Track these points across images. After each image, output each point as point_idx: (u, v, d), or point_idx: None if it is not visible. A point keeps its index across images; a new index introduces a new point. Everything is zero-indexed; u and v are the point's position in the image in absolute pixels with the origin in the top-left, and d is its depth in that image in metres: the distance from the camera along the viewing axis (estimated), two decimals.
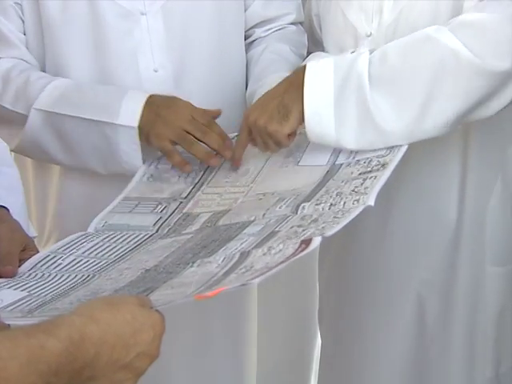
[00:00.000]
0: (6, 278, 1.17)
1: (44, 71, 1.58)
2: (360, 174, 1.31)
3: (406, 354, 1.66)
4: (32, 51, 1.60)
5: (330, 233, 1.07)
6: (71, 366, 0.77)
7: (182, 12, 1.63)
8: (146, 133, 1.42)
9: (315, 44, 1.71)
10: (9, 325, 1.04)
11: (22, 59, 1.58)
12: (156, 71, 1.60)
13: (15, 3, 1.55)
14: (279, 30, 1.75)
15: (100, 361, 0.81)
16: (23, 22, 1.58)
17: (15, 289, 1.14)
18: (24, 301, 1.11)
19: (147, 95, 1.45)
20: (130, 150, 1.47)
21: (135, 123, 1.42)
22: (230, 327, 1.87)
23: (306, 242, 1.03)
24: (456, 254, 1.58)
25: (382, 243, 1.63)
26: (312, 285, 1.96)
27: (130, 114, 1.44)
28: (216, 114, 1.46)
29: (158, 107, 1.43)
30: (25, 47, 1.59)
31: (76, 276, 1.21)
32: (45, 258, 1.29)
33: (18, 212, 1.36)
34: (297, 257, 0.99)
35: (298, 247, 1.02)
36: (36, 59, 1.59)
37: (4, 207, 1.31)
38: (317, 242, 1.02)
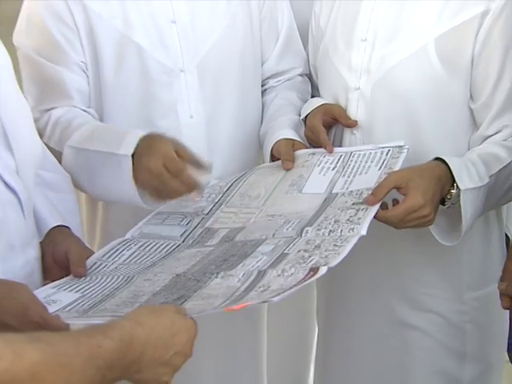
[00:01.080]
0: (77, 277, 1.31)
1: (101, 120, 1.75)
2: (353, 204, 1.43)
3: (384, 351, 1.76)
4: (91, 102, 1.75)
5: (334, 263, 1.19)
6: (122, 362, 0.93)
7: (213, 69, 1.78)
8: (135, 162, 1.48)
9: (314, 87, 1.90)
10: (68, 324, 1.21)
11: (75, 106, 1.72)
12: (192, 117, 1.74)
13: (81, 62, 1.69)
14: (288, 80, 1.92)
15: (145, 358, 0.97)
16: (87, 76, 1.71)
17: (70, 291, 1.27)
18: (79, 301, 1.25)
19: (145, 133, 1.55)
20: (128, 178, 1.53)
21: (130, 152, 1.48)
22: (246, 328, 1.99)
23: (314, 270, 1.16)
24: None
25: (369, 261, 1.73)
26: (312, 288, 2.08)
27: (127, 145, 1.50)
28: (204, 163, 1.51)
29: (150, 139, 1.49)
30: (82, 99, 1.72)
31: (119, 277, 1.35)
32: (94, 264, 1.43)
33: (76, 231, 1.49)
34: (307, 282, 1.14)
35: (308, 273, 1.16)
36: (94, 109, 1.72)
37: (67, 227, 1.46)
38: (323, 270, 1.15)
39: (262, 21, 1.88)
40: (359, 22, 1.70)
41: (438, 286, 1.72)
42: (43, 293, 1.25)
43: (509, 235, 1.82)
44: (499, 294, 1.50)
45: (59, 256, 1.39)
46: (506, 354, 1.98)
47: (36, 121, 1.67)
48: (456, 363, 1.73)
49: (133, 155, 1.51)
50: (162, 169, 1.44)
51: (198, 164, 1.51)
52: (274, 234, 1.42)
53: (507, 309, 1.49)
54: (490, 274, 1.61)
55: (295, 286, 1.13)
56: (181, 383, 1.77)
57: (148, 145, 1.52)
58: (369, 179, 1.50)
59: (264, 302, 1.17)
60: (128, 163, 1.51)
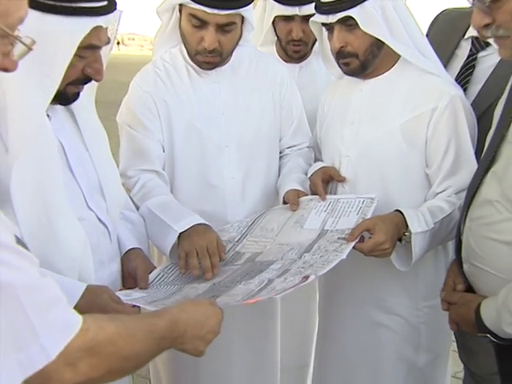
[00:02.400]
0: (140, 289, 1.57)
1: (172, 178, 2.01)
2: (338, 238, 1.65)
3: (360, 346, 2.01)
4: (165, 166, 2.00)
5: (320, 273, 1.49)
6: (170, 336, 1.15)
7: (247, 145, 2.02)
8: (185, 235, 1.71)
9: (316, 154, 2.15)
10: (136, 309, 1.47)
11: (154, 170, 1.96)
12: (233, 178, 2.00)
13: (161, 139, 1.99)
14: (298, 150, 2.16)
15: (187, 334, 1.19)
16: (164, 149, 1.99)
17: (139, 291, 1.54)
18: (145, 296, 1.51)
19: (200, 222, 1.74)
20: (170, 242, 1.75)
21: (181, 230, 1.71)
22: (264, 318, 2.22)
23: (306, 277, 1.43)
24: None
25: (353, 279, 1.98)
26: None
27: (182, 225, 1.72)
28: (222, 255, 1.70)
29: (195, 233, 1.70)
30: (160, 163, 1.98)
31: (174, 286, 1.60)
32: (157, 275, 1.66)
33: (146, 252, 1.73)
34: (301, 285, 1.42)
35: (301, 280, 1.42)
36: (166, 171, 2.00)
37: (140, 248, 1.69)
38: (312, 278, 1.44)
39: (281, 110, 2.09)
40: (349, 111, 1.92)
41: (402, 297, 1.91)
42: (122, 294, 1.49)
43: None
44: (441, 300, 1.70)
45: (132, 270, 1.62)
46: (453, 345, 2.16)
47: (129, 178, 1.95)
48: (413, 352, 1.93)
49: (184, 231, 1.70)
50: (204, 248, 1.63)
51: (221, 256, 1.67)
52: (282, 257, 1.62)
53: (446, 310, 1.67)
54: (438, 289, 1.72)
55: (292, 287, 1.40)
56: (218, 358, 2.06)
57: (203, 230, 1.70)
58: (349, 221, 1.71)
59: (270, 297, 1.42)
60: (173, 236, 1.71)
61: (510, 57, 1.47)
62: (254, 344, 2.20)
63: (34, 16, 1.26)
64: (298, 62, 2.38)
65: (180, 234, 1.68)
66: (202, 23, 1.82)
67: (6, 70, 0.97)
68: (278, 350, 2.33)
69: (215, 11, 1.78)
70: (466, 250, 1.56)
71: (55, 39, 1.31)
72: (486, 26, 1.36)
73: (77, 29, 1.33)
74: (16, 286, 0.86)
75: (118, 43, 46.91)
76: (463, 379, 2.35)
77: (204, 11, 1.78)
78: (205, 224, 1.72)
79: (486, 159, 1.50)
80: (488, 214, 1.47)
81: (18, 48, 0.97)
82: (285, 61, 2.36)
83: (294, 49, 2.31)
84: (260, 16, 2.36)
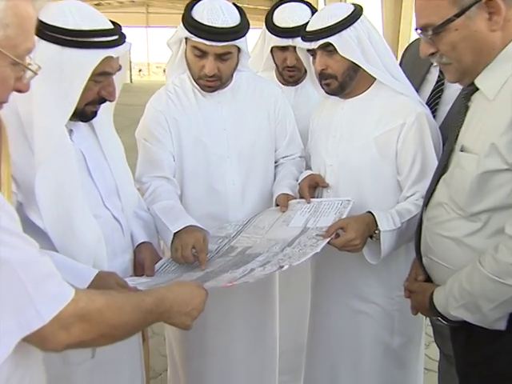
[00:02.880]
0: (147, 276, 1.60)
1: (182, 184, 2.04)
2: (316, 235, 1.67)
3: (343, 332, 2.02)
4: (176, 173, 2.04)
5: (294, 264, 1.50)
6: (157, 311, 1.17)
7: (246, 156, 2.05)
8: (178, 234, 1.73)
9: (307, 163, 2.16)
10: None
11: (165, 177, 1.98)
12: (234, 184, 2.02)
13: (171, 150, 2.02)
14: (291, 159, 2.17)
15: (173, 310, 1.21)
16: (174, 159, 2.02)
17: (145, 278, 1.58)
18: (149, 281, 1.55)
19: (191, 224, 1.76)
20: (168, 239, 1.76)
21: (175, 231, 1.73)
22: (265, 301, 2.24)
23: (281, 266, 1.46)
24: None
25: (335, 273, 2.02)
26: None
27: (177, 226, 1.74)
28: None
29: (185, 232, 1.72)
30: (170, 171, 2.01)
31: (175, 275, 1.63)
32: (162, 264, 1.70)
33: (155, 245, 1.77)
34: (275, 272, 1.54)
35: (278, 268, 1.47)
36: (176, 178, 2.03)
37: (150, 242, 1.73)
38: (286, 267, 1.47)
39: (276, 125, 2.11)
40: (332, 126, 1.95)
41: (377, 287, 1.93)
42: (130, 279, 1.53)
43: None
44: (404, 288, 1.72)
45: (141, 260, 1.66)
46: (425, 329, 2.15)
47: (143, 184, 1.98)
48: (388, 336, 1.94)
49: (178, 231, 1.73)
50: (189, 245, 1.66)
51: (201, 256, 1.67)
52: (267, 251, 1.63)
53: (408, 297, 1.69)
54: None
55: (268, 274, 1.48)
56: (222, 338, 2.13)
57: (191, 230, 1.72)
58: (328, 220, 1.73)
59: (246, 282, 1.44)
60: (170, 235, 1.74)
61: (454, 81, 1.48)
62: (254, 327, 2.21)
63: (55, 49, 1.37)
64: (293, 85, 2.40)
65: (175, 233, 1.72)
66: (202, 53, 1.86)
67: (19, 91, 1.02)
68: (277, 334, 2.35)
69: (213, 43, 1.82)
70: (423, 245, 1.57)
71: (72, 68, 1.38)
72: (432, 54, 1.39)
73: (90, 59, 1.40)
74: (14, 262, 0.90)
75: (140, 70, 47.57)
76: (439, 361, 2.35)
77: (204, 43, 1.83)
78: (195, 225, 1.76)
79: (439, 168, 1.52)
80: (439, 214, 1.48)
81: (29, 72, 1.03)
82: (283, 84, 2.38)
83: (289, 74, 2.33)
84: (260, 46, 2.39)
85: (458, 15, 1.29)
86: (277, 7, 2.29)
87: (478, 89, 1.38)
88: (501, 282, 1.28)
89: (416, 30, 1.40)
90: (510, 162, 1.26)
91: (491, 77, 1.34)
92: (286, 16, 2.21)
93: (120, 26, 1.48)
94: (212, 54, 1.85)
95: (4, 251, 0.87)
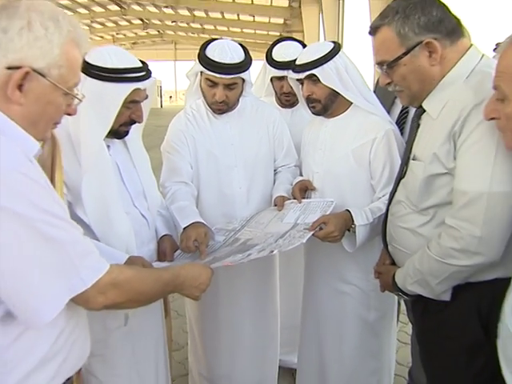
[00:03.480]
0: (168, 262, 1.64)
1: (198, 187, 2.06)
2: (304, 229, 1.68)
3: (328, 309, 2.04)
4: (193, 179, 2.06)
5: (283, 250, 1.54)
6: (173, 284, 1.24)
7: (251, 165, 2.07)
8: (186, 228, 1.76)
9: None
10: None
11: (184, 182, 1.99)
12: (240, 188, 2.05)
13: (189, 161, 2.05)
14: (287, 168, 2.18)
15: (185, 283, 1.28)
16: (192, 167, 2.05)
17: (166, 263, 1.61)
18: (169, 265, 1.58)
19: (197, 220, 1.79)
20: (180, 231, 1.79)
21: (184, 226, 1.77)
22: (267, 279, 2.27)
23: (271, 251, 1.52)
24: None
25: (322, 259, 2.04)
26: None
27: (186, 222, 1.77)
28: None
29: (191, 227, 1.74)
30: (188, 177, 2.03)
31: (189, 260, 1.65)
32: (179, 253, 1.71)
33: (174, 237, 1.78)
34: (266, 255, 1.52)
35: (269, 253, 1.51)
36: (194, 183, 2.05)
37: (170, 235, 1.78)
38: (275, 252, 1.54)
39: (274, 140, 2.14)
40: (318, 140, 1.98)
41: (357, 272, 1.95)
42: (154, 264, 1.59)
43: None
44: (374, 271, 1.74)
45: (163, 249, 1.71)
46: (397, 306, 2.15)
47: (165, 188, 2.01)
48: (366, 311, 1.96)
49: (186, 226, 1.76)
50: (191, 238, 1.68)
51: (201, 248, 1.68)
52: (264, 241, 1.64)
53: (377, 278, 1.71)
54: None
55: (260, 257, 1.50)
56: (232, 311, 2.14)
57: (196, 226, 1.74)
58: (314, 217, 1.74)
59: (242, 262, 1.48)
60: (181, 230, 1.77)
61: (406, 104, 1.55)
62: (258, 305, 2.24)
63: (96, 83, 1.46)
64: (289, 108, 2.42)
65: (184, 228, 1.76)
66: (214, 84, 1.92)
67: (69, 114, 1.09)
68: (278, 311, 2.37)
69: (222, 76, 1.88)
70: (388, 235, 1.60)
71: (109, 97, 1.48)
72: (389, 83, 1.44)
73: (123, 91, 1.49)
74: (64, 241, 0.96)
75: (170, 97, 47.22)
76: (411, 335, 2.33)
77: (215, 76, 1.89)
78: (200, 222, 1.78)
79: (399, 173, 1.55)
80: (399, 210, 1.52)
81: (76, 100, 1.11)
82: (281, 107, 2.40)
83: (286, 99, 2.37)
84: (262, 76, 2.43)
85: (405, 54, 1.35)
86: (275, 45, 2.33)
87: (425, 110, 1.43)
88: (443, 262, 1.33)
89: (375, 64, 1.45)
90: (448, 167, 1.31)
91: (434, 101, 1.39)
92: (282, 52, 2.26)
93: (147, 64, 1.56)
94: (221, 84, 1.91)
95: (57, 232, 0.93)
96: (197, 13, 20.36)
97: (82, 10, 20.50)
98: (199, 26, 23.33)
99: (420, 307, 1.54)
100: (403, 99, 1.51)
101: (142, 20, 23.81)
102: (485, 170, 1.22)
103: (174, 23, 23.80)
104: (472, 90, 1.27)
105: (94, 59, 1.43)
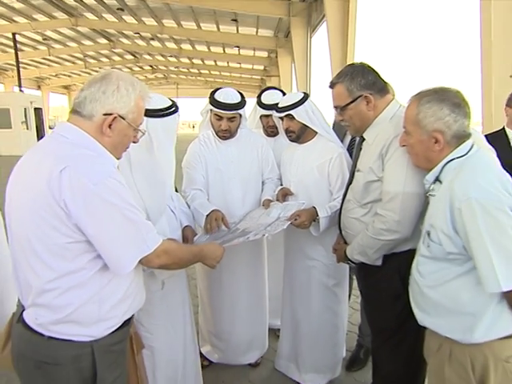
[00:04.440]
0: None
1: (208, 192, 2.12)
2: (284, 219, 1.77)
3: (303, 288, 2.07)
4: (206, 187, 2.12)
5: (272, 234, 1.64)
6: (199, 255, 1.33)
7: (245, 178, 2.15)
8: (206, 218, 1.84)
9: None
10: None
11: (199, 189, 2.08)
12: (237, 195, 2.12)
13: (203, 174, 2.13)
14: (271, 180, 2.23)
15: (206, 256, 1.36)
16: (204, 179, 2.13)
17: None
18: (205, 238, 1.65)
19: (214, 209, 1.90)
20: (202, 221, 1.90)
21: (206, 214, 1.87)
22: (257, 257, 2.31)
23: (264, 235, 1.61)
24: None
25: (295, 242, 2.09)
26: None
27: (207, 211, 1.88)
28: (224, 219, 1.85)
29: (212, 213, 1.86)
30: (203, 186, 2.12)
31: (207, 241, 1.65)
32: (198, 237, 1.73)
33: (192, 227, 1.81)
34: (260, 238, 1.61)
35: (261, 236, 1.61)
36: (205, 190, 2.11)
37: (190, 226, 1.80)
38: (266, 235, 1.61)
39: (262, 160, 2.21)
40: (293, 159, 2.06)
41: (321, 250, 2.04)
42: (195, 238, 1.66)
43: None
44: (332, 249, 1.82)
45: (185, 235, 1.75)
46: (350, 280, 2.25)
47: (186, 192, 2.07)
48: (326, 278, 2.06)
49: (209, 213, 1.86)
50: (213, 218, 1.81)
51: (225, 223, 1.80)
52: (257, 229, 1.69)
53: (334, 253, 1.80)
54: None
55: (256, 239, 1.59)
56: (231, 277, 2.17)
57: (215, 211, 1.87)
58: (290, 213, 1.82)
59: (244, 242, 1.56)
60: (203, 218, 1.88)
61: (353, 134, 1.74)
62: (251, 274, 2.29)
63: (156, 121, 1.54)
64: (273, 137, 2.48)
65: (206, 215, 1.87)
66: (220, 118, 2.03)
67: (134, 142, 1.20)
68: (266, 280, 2.39)
69: (227, 112, 2.01)
70: (342, 224, 1.72)
71: (169, 126, 1.59)
72: (341, 120, 1.59)
73: (176, 121, 1.63)
74: (138, 221, 1.07)
75: (193, 127, 46.45)
76: (360, 302, 2.37)
77: (221, 112, 2.01)
78: (217, 209, 1.90)
79: (349, 181, 1.68)
80: (349, 206, 1.66)
81: (140, 134, 1.22)
82: (267, 136, 2.47)
83: (271, 130, 2.45)
84: (253, 114, 2.51)
85: (351, 102, 1.53)
86: (262, 92, 2.41)
87: (365, 139, 1.61)
88: (375, 238, 1.50)
89: (333, 107, 1.59)
90: (379, 176, 1.49)
91: (370, 133, 1.57)
92: (268, 98, 2.35)
93: (174, 101, 1.64)
94: (225, 118, 2.03)
95: (134, 216, 1.06)
96: (195, 60, 20.54)
97: (104, 59, 20.57)
98: (196, 71, 23.50)
99: (362, 271, 1.69)
100: (350, 131, 1.68)
101: (151, 66, 23.92)
102: (400, 178, 1.41)
103: (176, 68, 23.91)
104: (393, 127, 1.46)
105: (151, 105, 1.44)
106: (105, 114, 1.08)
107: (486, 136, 2.27)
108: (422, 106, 1.18)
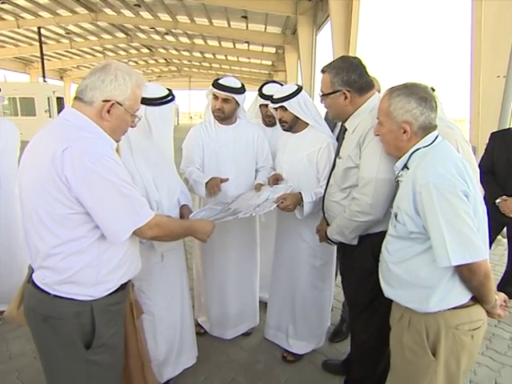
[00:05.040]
0: None
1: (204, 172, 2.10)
2: (272, 202, 1.78)
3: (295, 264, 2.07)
4: (201, 166, 2.12)
5: (259, 214, 1.68)
6: (190, 229, 1.36)
7: (239, 161, 2.15)
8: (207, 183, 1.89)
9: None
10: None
11: (196, 167, 2.11)
12: (232, 175, 2.11)
13: (200, 156, 2.14)
14: (264, 168, 2.24)
15: (197, 230, 1.38)
16: (200, 159, 2.15)
17: None
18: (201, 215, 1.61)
19: (212, 177, 1.95)
20: (202, 190, 1.96)
21: (204, 182, 1.91)
22: (250, 234, 2.32)
23: (251, 214, 1.63)
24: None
25: (287, 224, 2.09)
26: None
27: (205, 179, 1.93)
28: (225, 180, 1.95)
29: (210, 180, 1.93)
30: (199, 164, 2.15)
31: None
32: (192, 216, 1.66)
33: (190, 206, 1.77)
34: (248, 216, 1.61)
35: (249, 215, 1.61)
36: (201, 168, 2.12)
37: (187, 205, 1.76)
38: (254, 214, 1.64)
39: (257, 148, 2.23)
40: (286, 148, 2.04)
41: (308, 232, 2.03)
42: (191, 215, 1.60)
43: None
44: (316, 229, 1.84)
45: (182, 213, 1.72)
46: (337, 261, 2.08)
47: (184, 169, 2.11)
48: (313, 259, 2.07)
49: (208, 181, 1.90)
50: (213, 184, 1.87)
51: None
52: (247, 209, 1.70)
53: (317, 233, 1.82)
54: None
55: (245, 217, 1.61)
56: (224, 252, 2.18)
57: (213, 178, 1.94)
58: (278, 195, 1.84)
59: (233, 219, 1.57)
60: (203, 186, 1.94)
61: (332, 118, 1.73)
62: (244, 248, 2.32)
63: (154, 109, 1.56)
64: (271, 127, 2.50)
65: (206, 183, 1.95)
66: (216, 97, 2.07)
67: (132, 127, 1.23)
68: (258, 255, 2.39)
69: (221, 92, 2.05)
70: (325, 207, 1.76)
71: (166, 115, 1.60)
72: (323, 104, 1.60)
73: (171, 109, 1.62)
74: (133, 196, 1.12)
75: (191, 117, 45.67)
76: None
77: (217, 92, 2.05)
78: (214, 177, 1.96)
79: (332, 168, 1.71)
80: (331, 190, 1.69)
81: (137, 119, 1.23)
82: (266, 126, 2.48)
83: (268, 120, 2.47)
84: (254, 104, 2.54)
85: (331, 93, 1.56)
86: (263, 85, 2.43)
87: (347, 129, 1.64)
88: (351, 220, 1.54)
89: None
90: (356, 163, 1.52)
91: (351, 123, 1.59)
92: (268, 89, 2.36)
93: (171, 90, 1.66)
94: (220, 98, 2.06)
95: (129, 192, 1.11)
96: (207, 55, 20.39)
97: (121, 52, 20.51)
98: (208, 65, 23.36)
99: (341, 250, 1.75)
100: (330, 115, 1.70)
101: (165, 59, 23.82)
102: (374, 165, 1.45)
103: (189, 62, 23.79)
104: (371, 118, 1.48)
105: (147, 93, 1.50)
106: (104, 101, 1.12)
107: (493, 133, 2.43)
108: (393, 99, 1.22)
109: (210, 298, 2.32)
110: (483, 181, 1.74)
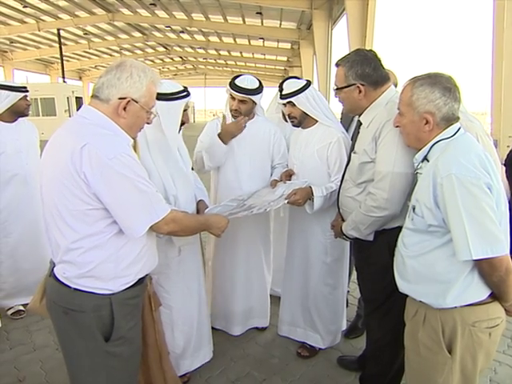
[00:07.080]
0: None
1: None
2: (285, 198, 1.79)
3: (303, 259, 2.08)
4: None
5: (273, 208, 1.70)
6: (205, 224, 1.38)
7: (255, 157, 2.16)
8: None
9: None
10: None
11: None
12: (247, 171, 2.17)
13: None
14: (281, 165, 2.23)
15: (212, 226, 1.41)
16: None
17: None
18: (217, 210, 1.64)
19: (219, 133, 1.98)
20: (220, 146, 2.03)
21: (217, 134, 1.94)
22: (263, 229, 2.33)
23: (265, 209, 1.63)
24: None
25: (297, 218, 2.06)
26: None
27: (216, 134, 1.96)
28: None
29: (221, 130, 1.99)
30: None
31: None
32: (208, 211, 1.70)
33: (207, 202, 1.83)
34: (262, 212, 1.61)
35: (263, 211, 1.62)
36: None
37: (203, 200, 1.81)
38: (268, 210, 1.64)
39: (274, 146, 2.22)
40: (297, 143, 2.04)
41: (318, 229, 2.03)
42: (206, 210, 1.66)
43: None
44: (331, 225, 1.82)
45: (199, 208, 1.77)
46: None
47: (198, 152, 2.16)
48: (324, 256, 2.06)
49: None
50: (226, 131, 1.91)
51: None
52: (261, 204, 1.72)
53: (332, 229, 1.80)
54: None
55: (259, 213, 1.61)
56: (238, 247, 2.19)
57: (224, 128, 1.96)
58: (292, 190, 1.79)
59: (247, 215, 1.59)
60: (217, 137, 2.03)
61: (346, 112, 1.73)
62: (257, 244, 2.32)
63: (165, 103, 1.58)
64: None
65: (218, 135, 2.02)
66: (233, 98, 2.09)
67: (148, 123, 1.24)
68: (270, 252, 2.40)
69: (237, 94, 2.06)
70: (340, 202, 1.74)
71: (174, 110, 1.63)
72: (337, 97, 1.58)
73: (181, 105, 1.64)
74: (148, 192, 1.12)
75: (214, 114, 47.53)
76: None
77: (234, 93, 2.07)
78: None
79: (347, 163, 1.70)
80: (346, 185, 1.67)
81: (152, 116, 1.25)
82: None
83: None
84: (274, 99, 2.58)
85: (345, 87, 1.54)
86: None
87: (362, 123, 1.61)
88: (366, 215, 1.52)
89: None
90: (372, 157, 1.50)
91: (366, 117, 1.57)
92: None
93: (187, 88, 1.69)
94: (237, 99, 2.08)
95: (145, 188, 1.12)
96: (222, 52, 20.46)
97: (138, 51, 20.81)
98: (223, 62, 23.45)
99: (357, 245, 1.73)
100: (344, 109, 1.68)
101: (181, 57, 24.02)
102: (390, 159, 1.43)
103: (204, 60, 23.92)
104: (387, 112, 1.47)
105: (161, 89, 1.51)
106: (120, 98, 1.14)
107: None
108: (416, 88, 1.19)
109: (216, 291, 2.33)
110: (509, 175, 1.72)
